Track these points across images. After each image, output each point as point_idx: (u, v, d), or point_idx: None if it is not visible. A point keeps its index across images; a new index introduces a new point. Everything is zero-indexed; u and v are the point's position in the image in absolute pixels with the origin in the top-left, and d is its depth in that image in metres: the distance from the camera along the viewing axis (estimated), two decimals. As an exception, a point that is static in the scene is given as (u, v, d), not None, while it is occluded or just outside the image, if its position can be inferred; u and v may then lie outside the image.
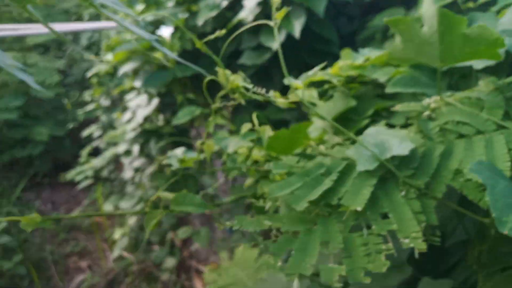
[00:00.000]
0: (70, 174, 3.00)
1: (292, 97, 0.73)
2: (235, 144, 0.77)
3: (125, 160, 2.14)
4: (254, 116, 0.78)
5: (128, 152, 2.10)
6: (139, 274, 2.79)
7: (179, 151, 0.77)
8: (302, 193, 0.50)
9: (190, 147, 2.10)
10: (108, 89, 2.93)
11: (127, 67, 1.66)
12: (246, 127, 0.79)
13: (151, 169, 2.10)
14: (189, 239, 2.63)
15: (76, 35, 5.13)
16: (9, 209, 3.39)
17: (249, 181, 0.83)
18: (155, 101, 1.83)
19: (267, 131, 0.76)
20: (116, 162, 3.30)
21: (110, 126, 2.99)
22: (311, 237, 0.47)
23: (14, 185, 3.88)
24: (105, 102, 2.91)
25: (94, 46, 4.73)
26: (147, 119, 1.94)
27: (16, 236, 3.08)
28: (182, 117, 1.50)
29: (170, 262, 2.52)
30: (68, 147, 4.34)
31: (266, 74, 1.70)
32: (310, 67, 1.81)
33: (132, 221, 2.35)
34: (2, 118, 3.88)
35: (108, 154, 2.20)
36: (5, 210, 3.37)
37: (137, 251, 2.45)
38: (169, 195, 0.74)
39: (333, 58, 1.50)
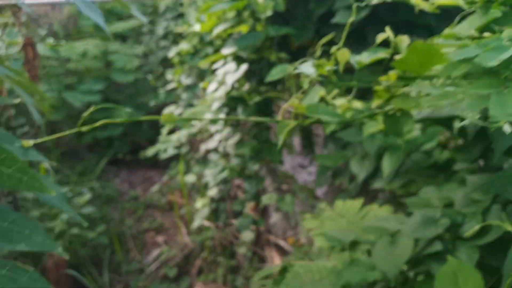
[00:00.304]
0: (151, 150, 3.10)
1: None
2: (368, 57, 0.74)
3: (212, 128, 2.17)
4: (387, 28, 0.74)
5: (213, 121, 2.13)
6: (215, 248, 2.82)
7: (310, 62, 0.74)
8: (490, 55, 0.45)
9: (273, 115, 2.08)
10: (189, 68, 2.99)
11: (219, 28, 1.67)
12: (381, 37, 0.75)
13: (235, 138, 2.11)
14: (266, 212, 2.62)
15: (152, 25, 5.32)
16: (92, 184, 3.57)
17: (377, 101, 0.80)
18: (244, 67, 1.84)
19: (404, 41, 0.72)
20: (190, 143, 3.37)
21: (190, 105, 3.06)
22: (507, 94, 0.42)
23: (95, 165, 4.07)
24: (186, 80, 2.98)
25: (170, 35, 4.88)
26: (234, 86, 1.95)
27: (99, 208, 3.24)
28: (275, 74, 1.48)
29: (248, 236, 2.52)
30: (146, 131, 4.51)
31: (360, 34, 1.64)
32: (409, 24, 1.72)
33: (213, 192, 2.39)
34: (86, 101, 4.10)
35: (194, 122, 2.24)
36: (88, 185, 3.54)
37: (217, 220, 2.49)
38: (302, 105, 0.72)
39: (434, 15, 1.42)
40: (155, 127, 4.49)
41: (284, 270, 0.99)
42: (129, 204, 3.67)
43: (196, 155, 3.12)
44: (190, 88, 2.98)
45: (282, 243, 2.41)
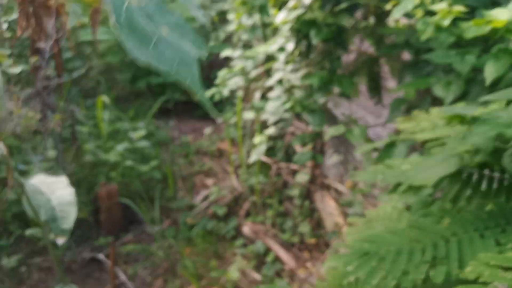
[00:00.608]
0: (207, 93, 3.07)
1: None
2: None
3: (280, 56, 2.10)
4: None
5: (281, 49, 2.06)
6: (265, 192, 2.79)
7: None
8: None
9: (345, 46, 1.99)
10: (251, 8, 2.92)
11: None
12: None
13: (303, 70, 2.04)
14: (323, 156, 2.55)
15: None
16: (146, 124, 3.60)
17: None
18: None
19: None
20: (244, 89, 3.31)
21: (249, 46, 3.00)
22: None
23: (147, 110, 4.10)
24: (247, 21, 2.91)
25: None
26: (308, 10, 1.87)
27: (152, 147, 3.26)
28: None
29: (302, 178, 2.47)
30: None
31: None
32: None
33: (270, 131, 2.33)
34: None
35: (261, 49, 2.17)
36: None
37: (275, 156, 2.45)
38: None
39: None
40: (208, 78, 4.47)
41: (391, 144, 0.92)
42: (179, 149, 3.69)
43: (248, 105, 3.06)
44: (250, 30, 2.91)
45: (338, 186, 2.34)
